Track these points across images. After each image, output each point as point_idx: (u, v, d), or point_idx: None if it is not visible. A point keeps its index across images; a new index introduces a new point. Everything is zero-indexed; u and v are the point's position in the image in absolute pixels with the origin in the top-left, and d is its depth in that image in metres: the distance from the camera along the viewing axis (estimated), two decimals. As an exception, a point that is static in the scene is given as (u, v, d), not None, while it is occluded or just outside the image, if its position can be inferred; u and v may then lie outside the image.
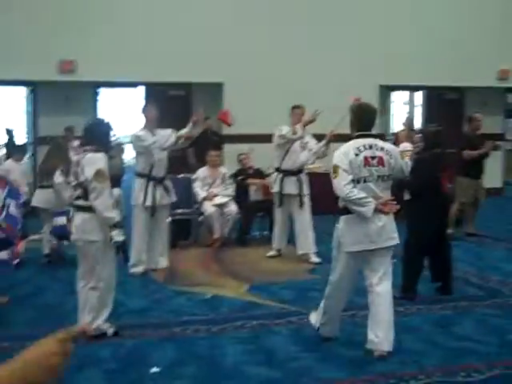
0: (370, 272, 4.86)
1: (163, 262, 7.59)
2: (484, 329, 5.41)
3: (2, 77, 11.67)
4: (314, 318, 5.20)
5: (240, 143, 11.71)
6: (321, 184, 9.61)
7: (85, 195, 5.13)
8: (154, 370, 4.58)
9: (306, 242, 8.06)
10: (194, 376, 4.47)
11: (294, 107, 8.21)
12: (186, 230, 9.37)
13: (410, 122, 11.82)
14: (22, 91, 13.63)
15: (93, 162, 5.10)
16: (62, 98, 12.48)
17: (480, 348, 4.93)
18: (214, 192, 9.28)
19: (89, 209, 5.11)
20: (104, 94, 14.28)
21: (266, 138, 11.03)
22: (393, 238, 4.86)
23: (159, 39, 12.11)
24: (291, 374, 4.46)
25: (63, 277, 7.40)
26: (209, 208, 9.05)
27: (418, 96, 17.22)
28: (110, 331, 5.32)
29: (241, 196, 9.48)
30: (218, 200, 9.19)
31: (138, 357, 4.86)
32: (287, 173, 8.12)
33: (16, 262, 7.69)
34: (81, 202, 5.18)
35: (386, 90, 14.37)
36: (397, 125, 16.28)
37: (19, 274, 7.50)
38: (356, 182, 4.70)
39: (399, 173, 4.99)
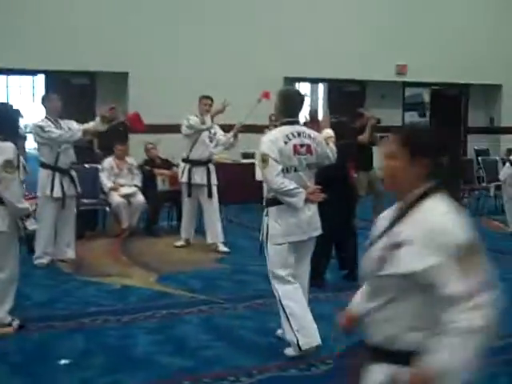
0: (296, 263, 4.73)
1: (70, 253, 7.43)
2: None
3: None
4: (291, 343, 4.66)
5: (146, 133, 11.58)
6: (228, 174, 9.74)
7: None
8: (64, 361, 4.49)
9: (215, 232, 8.09)
10: (105, 366, 4.41)
11: (203, 97, 8.20)
12: (92, 220, 9.21)
13: (314, 113, 12.05)
14: None
15: (1, 151, 4.90)
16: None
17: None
18: (120, 182, 9.18)
19: None
20: (2, 81, 13.79)
21: (173, 129, 10.96)
22: (319, 227, 4.83)
23: (61, 25, 11.75)
24: (204, 363, 4.48)
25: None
26: (116, 198, 8.93)
27: (321, 88, 17.63)
28: (15, 324, 5.15)
29: (148, 186, 9.40)
30: (125, 190, 9.09)
31: (46, 349, 4.75)
32: (195, 163, 8.11)
33: None
34: None
35: (290, 82, 14.56)
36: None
37: None
38: (286, 171, 4.56)
39: (325, 159, 4.93)
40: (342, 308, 5.00)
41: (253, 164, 10.40)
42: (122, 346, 4.81)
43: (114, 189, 9.04)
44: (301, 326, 4.57)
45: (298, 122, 4.85)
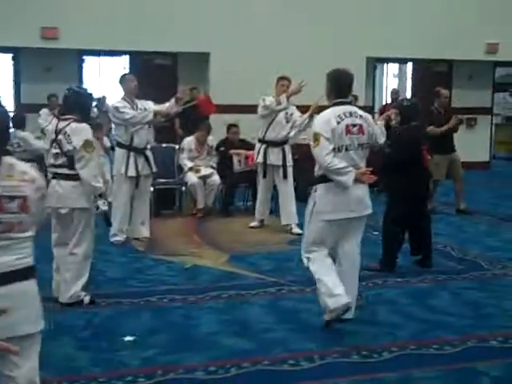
0: (345, 241, 4.79)
1: (145, 232, 7.56)
2: (460, 302, 5.42)
3: (-17, 43, 11.51)
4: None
5: (226, 113, 11.62)
6: (304, 154, 9.64)
7: (70, 164, 5.09)
8: (128, 338, 4.56)
9: (289, 213, 8.04)
10: (168, 345, 4.46)
11: (280, 78, 8.13)
12: (169, 199, 9.33)
13: (395, 93, 11.77)
14: (7, 58, 13.45)
15: (79, 131, 5.09)
16: (44, 65, 12.33)
17: (454, 321, 4.94)
18: (198, 163, 9.25)
19: (73, 177, 5.11)
20: (89, 62, 14.11)
21: (253, 109, 10.94)
22: (369, 206, 4.82)
23: (145, 7, 11.94)
24: (264, 345, 4.46)
25: (43, 244, 7.38)
26: (192, 178, 9.01)
27: (409, 69, 17.15)
28: (86, 299, 5.30)
29: (224, 166, 9.44)
30: (203, 171, 9.16)
31: (113, 325, 4.85)
32: (271, 143, 8.07)
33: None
34: (65, 171, 5.14)
35: (374, 62, 14.27)
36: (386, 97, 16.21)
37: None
38: (337, 150, 4.59)
39: (377, 140, 4.94)
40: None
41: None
42: (186, 326, 4.84)
43: (192, 170, 9.12)
44: (329, 290, 4.63)
45: (349, 102, 4.88)
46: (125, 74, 7.83)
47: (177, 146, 9.48)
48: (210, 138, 9.72)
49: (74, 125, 5.12)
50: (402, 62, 16.78)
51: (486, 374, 3.99)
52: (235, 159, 9.47)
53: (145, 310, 5.20)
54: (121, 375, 3.98)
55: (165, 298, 5.48)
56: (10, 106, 14.51)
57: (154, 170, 7.58)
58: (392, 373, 4.03)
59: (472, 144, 9.59)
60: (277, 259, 6.79)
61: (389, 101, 12.19)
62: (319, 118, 4.79)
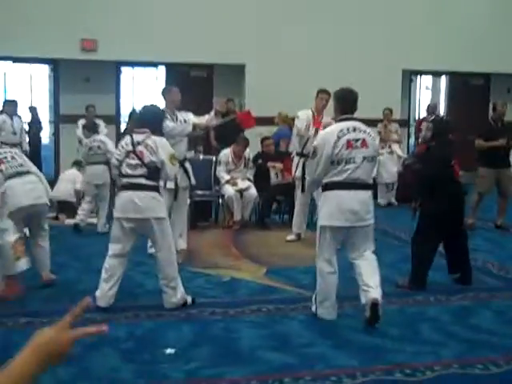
0: (352, 249, 5.26)
1: (182, 244, 7.58)
2: (503, 320, 5.35)
3: (24, 54, 11.71)
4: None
5: (261, 126, 11.64)
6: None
7: (149, 175, 5.30)
8: (169, 351, 4.58)
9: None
10: (209, 358, 4.47)
11: (320, 91, 8.14)
12: (205, 211, 9.37)
13: (433, 108, 11.70)
14: (45, 70, 13.68)
15: (163, 145, 5.42)
16: (83, 76, 12.51)
17: (498, 340, 4.87)
18: (234, 176, 9.29)
19: (152, 187, 5.33)
20: (126, 73, 14.27)
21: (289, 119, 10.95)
22: (366, 219, 5.17)
23: (182, 19, 12.07)
24: (306, 361, 4.44)
25: (83, 255, 7.47)
26: (229, 190, 9.05)
27: (443, 81, 17.04)
28: (189, 300, 5.57)
29: (261, 179, 9.46)
30: (241, 185, 9.18)
31: (154, 337, 4.87)
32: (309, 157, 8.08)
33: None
34: (144, 181, 5.30)
35: (410, 75, 14.21)
36: (421, 111, 16.11)
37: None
38: (336, 163, 5.01)
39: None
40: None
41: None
42: (227, 339, 4.85)
43: (230, 182, 9.15)
44: (323, 301, 5.22)
45: (353, 118, 5.23)
46: (169, 86, 7.89)
47: (214, 158, 9.51)
48: (247, 150, 9.75)
49: (154, 138, 5.38)
50: (438, 74, 16.70)
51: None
52: (272, 172, 9.50)
53: (185, 322, 5.22)
54: (164, 388, 4.00)
55: (204, 311, 5.49)
56: (46, 117, 14.73)
57: (193, 182, 7.60)
58: (436, 392, 3.99)
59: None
60: (315, 273, 6.73)
61: (423, 114, 12.12)
62: (322, 133, 5.33)
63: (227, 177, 9.20)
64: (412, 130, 14.52)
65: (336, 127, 5.16)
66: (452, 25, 13.35)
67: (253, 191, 9.15)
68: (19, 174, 5.95)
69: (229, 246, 8.02)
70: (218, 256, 7.51)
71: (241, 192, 9.10)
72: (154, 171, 5.32)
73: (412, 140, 14.49)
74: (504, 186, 9.14)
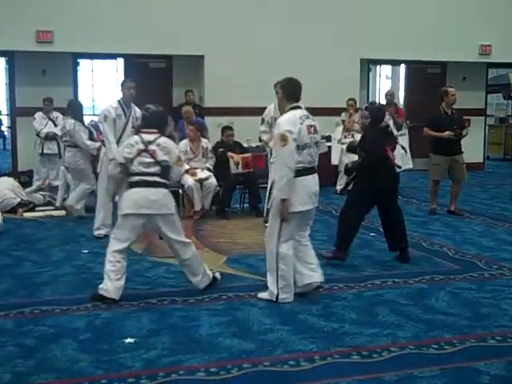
0: (305, 228, 5.57)
1: None
2: (458, 302, 5.45)
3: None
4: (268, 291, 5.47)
5: (220, 116, 11.66)
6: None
7: (162, 173, 5.48)
8: (129, 340, 4.58)
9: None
10: (169, 347, 4.46)
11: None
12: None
13: (389, 96, 11.82)
14: (1, 62, 13.46)
15: (172, 146, 5.67)
16: (39, 68, 12.33)
17: (453, 321, 4.97)
18: (194, 166, 9.29)
19: (165, 185, 5.53)
20: (85, 65, 14.12)
21: (246, 111, 11.00)
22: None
23: (139, 10, 11.99)
24: (265, 346, 4.47)
25: (40, 248, 7.41)
26: (189, 180, 9.04)
27: (402, 71, 17.22)
28: (218, 275, 5.94)
29: (221, 169, 9.46)
30: (200, 174, 9.20)
31: (113, 328, 4.85)
32: None
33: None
34: (158, 179, 5.47)
35: (368, 64, 14.33)
36: (379, 99, 16.26)
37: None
38: (301, 148, 5.20)
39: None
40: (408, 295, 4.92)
41: (329, 148, 10.36)
42: (187, 327, 4.86)
43: (188, 172, 9.13)
44: (285, 286, 5.37)
45: (300, 107, 5.41)
46: (126, 79, 7.99)
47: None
48: (205, 141, 9.76)
49: (164, 139, 5.59)
50: (396, 63, 16.87)
51: (486, 373, 4.02)
52: (232, 161, 9.50)
53: (145, 312, 5.20)
54: (123, 377, 3.99)
55: (165, 300, 5.49)
56: (3, 109, 14.49)
57: None
58: (392, 372, 4.05)
59: (466, 145, 9.67)
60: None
61: (383, 102, 12.24)
62: (285, 120, 5.24)
63: (186, 166, 9.18)
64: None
65: (294, 114, 5.28)
66: (410, 14, 13.48)
67: (212, 181, 9.17)
68: None
69: (189, 236, 7.94)
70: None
71: (200, 182, 9.10)
72: (166, 170, 5.50)
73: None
74: (456, 172, 9.25)
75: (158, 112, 5.80)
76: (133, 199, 5.44)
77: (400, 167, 8.32)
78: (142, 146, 5.49)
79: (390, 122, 10.97)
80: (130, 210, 5.43)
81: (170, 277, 6.23)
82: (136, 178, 5.49)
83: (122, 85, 7.71)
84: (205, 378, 3.98)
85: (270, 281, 5.43)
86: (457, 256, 7.03)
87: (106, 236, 7.52)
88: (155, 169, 5.46)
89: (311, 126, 5.32)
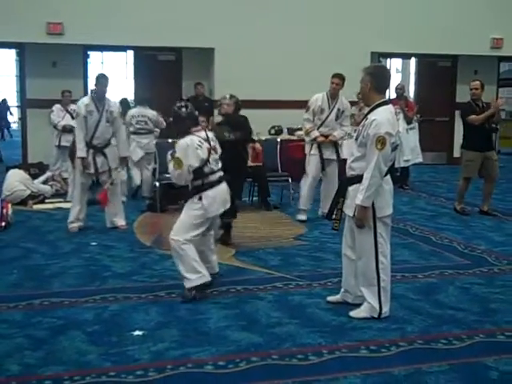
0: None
1: (121, 222, 8.03)
2: (467, 297, 5.43)
3: (-12, 37, 11.53)
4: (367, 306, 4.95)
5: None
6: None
7: (222, 167, 5.57)
8: (137, 333, 4.59)
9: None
10: (177, 340, 4.47)
11: (332, 76, 8.44)
12: (174, 194, 9.32)
13: (401, 89, 11.76)
14: (12, 54, 13.49)
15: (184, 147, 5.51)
16: (50, 60, 12.35)
17: (462, 316, 4.95)
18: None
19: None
20: (95, 57, 14.15)
21: (256, 104, 10.96)
22: None
23: (149, 3, 11.96)
24: (273, 340, 4.47)
25: (51, 240, 7.43)
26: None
27: (412, 64, 17.14)
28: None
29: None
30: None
31: (122, 320, 4.86)
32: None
33: (3, 224, 7.79)
34: (222, 173, 5.54)
35: (378, 57, 14.25)
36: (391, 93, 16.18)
37: (6, 235, 7.59)
38: (393, 149, 4.78)
39: None
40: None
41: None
42: (195, 320, 4.86)
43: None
44: (387, 298, 4.94)
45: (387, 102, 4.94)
46: (102, 75, 7.99)
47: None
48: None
49: (210, 133, 5.58)
50: (407, 57, 16.78)
51: (495, 369, 4.00)
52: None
53: (153, 304, 5.21)
54: (131, 369, 3.99)
55: (173, 292, 5.49)
56: (13, 101, 14.52)
57: (114, 165, 7.95)
58: (400, 367, 4.04)
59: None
60: (283, 254, 6.81)
61: (393, 96, 12.17)
62: (385, 120, 4.65)
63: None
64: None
65: (391, 112, 4.82)
66: (421, 7, 13.40)
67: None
68: None
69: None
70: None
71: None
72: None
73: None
74: (488, 169, 8.86)
75: (191, 108, 5.63)
76: (220, 197, 5.46)
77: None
78: (207, 145, 5.38)
79: (401, 116, 10.95)
80: (222, 208, 5.51)
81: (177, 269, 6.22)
82: (212, 177, 5.43)
83: (98, 80, 7.80)
84: (213, 371, 3.99)
85: (369, 295, 4.89)
86: (466, 251, 7.00)
87: (80, 230, 7.81)
88: (220, 164, 5.52)
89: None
